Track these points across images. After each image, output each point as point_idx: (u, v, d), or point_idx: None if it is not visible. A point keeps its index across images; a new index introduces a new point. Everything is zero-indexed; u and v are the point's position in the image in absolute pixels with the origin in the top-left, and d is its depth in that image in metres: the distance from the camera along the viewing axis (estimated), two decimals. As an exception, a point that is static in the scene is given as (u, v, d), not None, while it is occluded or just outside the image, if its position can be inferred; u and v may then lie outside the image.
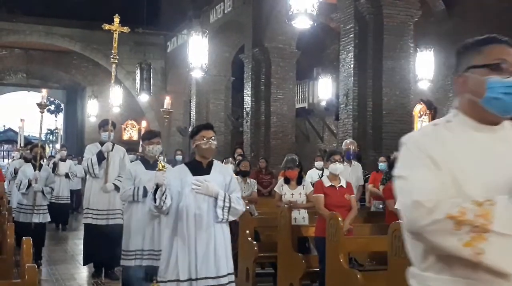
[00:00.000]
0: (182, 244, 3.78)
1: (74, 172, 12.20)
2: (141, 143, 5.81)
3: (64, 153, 12.27)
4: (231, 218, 3.95)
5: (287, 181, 6.50)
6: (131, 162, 6.94)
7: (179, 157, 10.56)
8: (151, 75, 18.75)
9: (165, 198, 3.71)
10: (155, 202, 3.75)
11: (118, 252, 5.55)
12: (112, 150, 6.77)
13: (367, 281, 4.71)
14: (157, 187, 3.73)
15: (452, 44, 13.60)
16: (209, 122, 4.30)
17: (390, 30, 10.56)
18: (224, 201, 3.83)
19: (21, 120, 8.62)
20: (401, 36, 10.67)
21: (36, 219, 7.74)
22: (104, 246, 6.54)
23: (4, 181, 7.85)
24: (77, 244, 9.73)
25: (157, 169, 3.76)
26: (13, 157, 11.68)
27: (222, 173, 4.02)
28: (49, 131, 35.71)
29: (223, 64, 18.39)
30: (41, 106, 7.77)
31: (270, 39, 14.66)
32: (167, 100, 7.13)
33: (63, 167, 11.75)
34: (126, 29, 7.46)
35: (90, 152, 6.88)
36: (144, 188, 5.15)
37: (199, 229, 3.80)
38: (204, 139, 3.91)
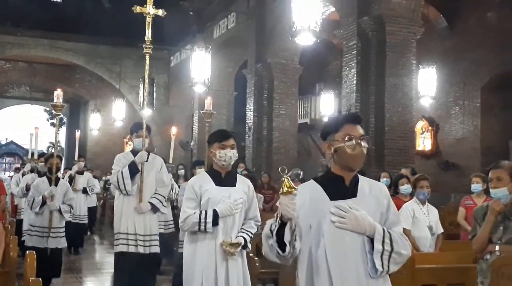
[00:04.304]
0: None
1: (92, 186, 10.74)
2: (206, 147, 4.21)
3: (82, 164, 10.41)
4: (393, 269, 2.40)
5: (289, 196, 6.47)
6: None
7: (181, 172, 10.51)
8: (154, 90, 18.81)
9: (295, 239, 2.31)
10: (283, 249, 2.31)
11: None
12: (147, 160, 5.51)
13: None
14: (282, 222, 2.28)
15: (454, 61, 13.70)
16: (357, 113, 2.79)
17: (393, 47, 10.61)
18: (383, 241, 2.35)
19: (35, 128, 7.88)
20: (403, 53, 10.72)
21: (52, 244, 6.48)
22: (144, 280, 5.42)
23: (6, 195, 7.55)
24: (97, 274, 8.60)
25: (281, 190, 2.24)
26: (22, 170, 10.51)
27: (375, 195, 2.47)
28: (51, 145, 35.79)
29: (226, 79, 18.47)
30: (56, 107, 6.55)
31: (273, 54, 14.73)
32: (208, 101, 5.75)
33: (81, 181, 10.24)
34: (162, 13, 6.02)
35: (120, 163, 5.56)
36: (214, 212, 3.74)
37: None
38: (349, 139, 2.41)
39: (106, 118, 22.74)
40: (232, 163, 3.90)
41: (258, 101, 15.12)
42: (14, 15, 21.67)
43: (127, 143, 22.57)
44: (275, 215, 2.32)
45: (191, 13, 18.97)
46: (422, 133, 14.62)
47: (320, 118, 17.77)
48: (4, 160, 38.38)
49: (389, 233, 2.38)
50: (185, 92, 20.68)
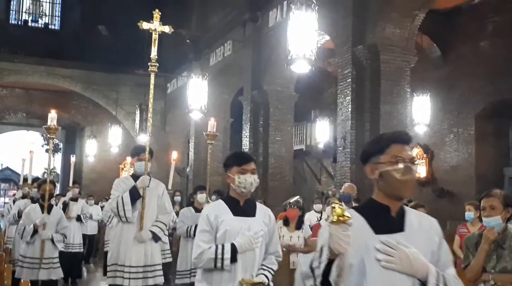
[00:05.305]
0: None
1: (86, 213, 10.32)
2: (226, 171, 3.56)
3: (76, 190, 10.14)
4: None
5: (286, 223, 6.50)
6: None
7: (177, 198, 10.49)
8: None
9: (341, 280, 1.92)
10: None
11: None
12: (148, 185, 5.19)
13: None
14: (330, 258, 1.88)
15: (448, 90, 13.85)
16: (405, 131, 2.39)
17: (387, 76, 10.72)
18: None
19: (30, 152, 7.59)
20: (397, 82, 10.83)
21: (44, 276, 6.16)
22: None
23: None
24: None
25: (330, 219, 1.85)
26: (14, 196, 10.27)
27: (425, 229, 2.12)
28: (46, 171, 35.65)
29: (222, 106, 18.56)
30: (50, 130, 6.23)
31: (269, 82, 14.86)
32: (211, 122, 5.57)
33: (75, 208, 9.87)
34: (169, 29, 5.79)
35: (120, 187, 5.22)
36: (233, 247, 3.26)
37: None
38: (398, 162, 2.07)
39: (102, 145, 22.75)
40: (252, 190, 3.44)
41: (254, 128, 15.19)
42: (12, 41, 21.87)
43: (122, 169, 22.55)
44: (318, 249, 1.93)
45: (188, 41, 19.18)
46: (417, 160, 14.69)
47: (315, 145, 17.85)
48: (-1, 186, 38.25)
49: (443, 276, 2.02)
50: (181, 119, 20.77)
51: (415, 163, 2.10)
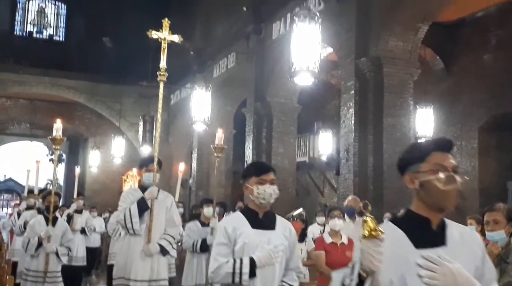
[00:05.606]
0: None
1: (91, 225, 10.19)
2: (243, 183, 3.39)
3: (81, 202, 9.93)
4: None
5: (288, 236, 6.46)
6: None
7: (180, 210, 10.44)
8: (154, 127, 18.93)
9: None
10: None
11: None
12: (157, 197, 5.10)
13: None
14: (361, 275, 1.77)
15: (451, 102, 13.85)
16: (447, 138, 2.14)
17: (390, 88, 10.73)
18: None
19: (37, 161, 7.62)
20: (401, 94, 10.84)
21: None
22: None
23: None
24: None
25: (360, 235, 1.75)
26: (18, 208, 10.17)
27: (467, 243, 2.02)
28: (49, 182, 35.67)
29: (225, 117, 18.59)
30: (55, 141, 6.07)
31: (272, 94, 14.88)
32: (219, 134, 5.64)
33: (80, 220, 9.67)
34: (178, 39, 5.73)
35: (128, 199, 5.13)
36: (251, 261, 3.12)
37: None
38: (440, 171, 1.95)
39: (105, 156, 22.79)
40: (272, 201, 3.27)
41: (257, 140, 15.19)
42: (16, 52, 22.02)
43: (125, 180, 22.56)
44: (350, 265, 1.83)
45: (191, 52, 19.27)
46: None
47: (318, 157, 17.83)
48: (2, 197, 38.28)
49: None
50: (184, 130, 20.79)
51: (458, 171, 1.96)
